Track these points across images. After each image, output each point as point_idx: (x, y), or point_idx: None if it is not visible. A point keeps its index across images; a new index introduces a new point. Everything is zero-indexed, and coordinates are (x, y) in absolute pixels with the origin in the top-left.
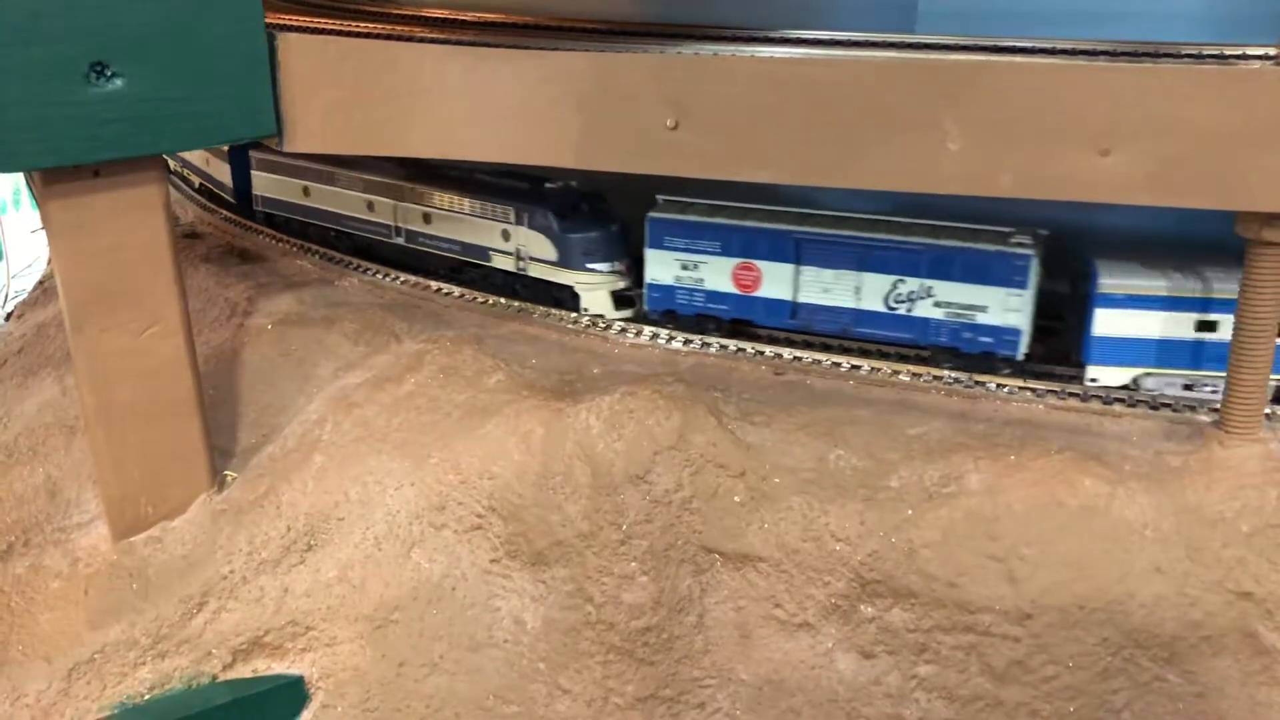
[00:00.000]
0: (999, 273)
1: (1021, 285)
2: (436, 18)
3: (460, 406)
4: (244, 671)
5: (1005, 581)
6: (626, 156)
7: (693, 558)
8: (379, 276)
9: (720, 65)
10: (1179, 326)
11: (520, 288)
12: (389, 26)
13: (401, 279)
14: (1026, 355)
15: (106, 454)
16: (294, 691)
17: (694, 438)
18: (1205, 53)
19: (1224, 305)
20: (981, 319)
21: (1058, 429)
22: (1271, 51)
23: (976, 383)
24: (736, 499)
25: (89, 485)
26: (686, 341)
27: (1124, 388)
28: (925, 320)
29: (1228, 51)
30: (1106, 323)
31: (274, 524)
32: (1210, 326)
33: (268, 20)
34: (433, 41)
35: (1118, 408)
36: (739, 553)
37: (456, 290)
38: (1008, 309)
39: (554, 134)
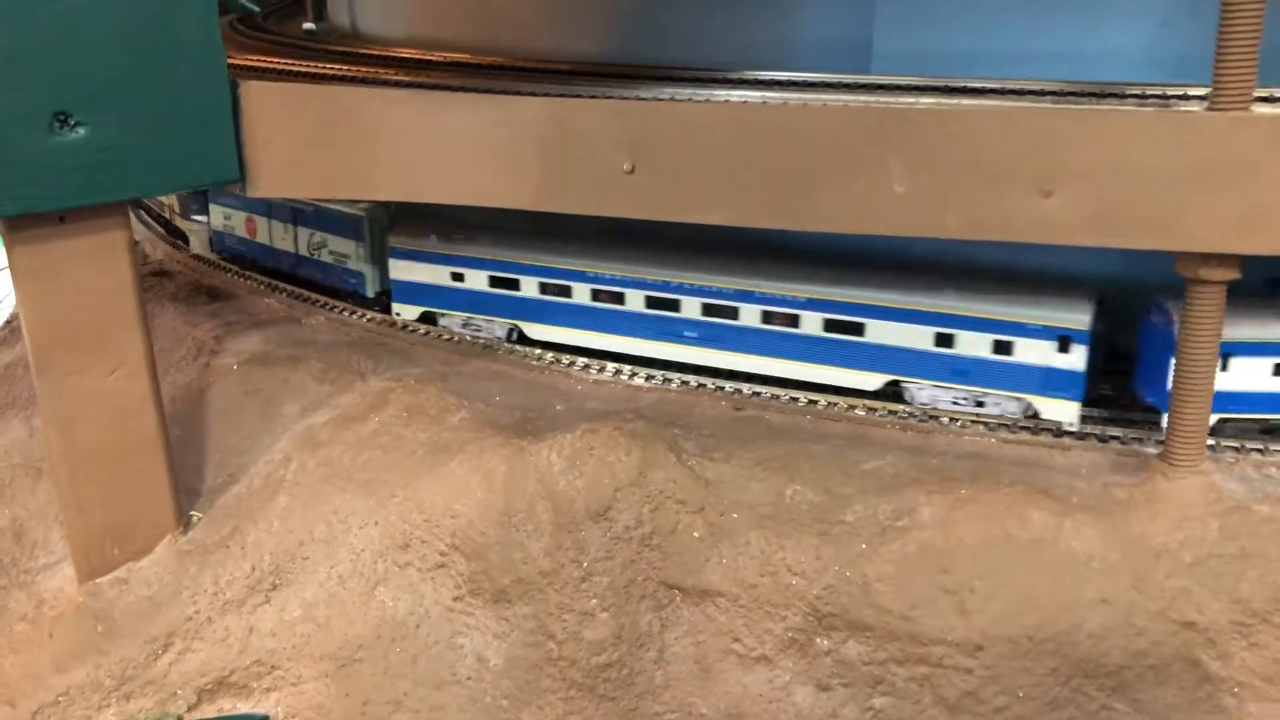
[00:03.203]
0: (348, 229)
1: (360, 238)
2: (403, 58)
3: (424, 445)
4: (209, 711)
5: (957, 613)
6: (585, 199)
7: (653, 593)
8: (345, 314)
9: (675, 110)
10: (441, 275)
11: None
12: (355, 68)
13: (368, 317)
14: (380, 294)
15: (72, 495)
16: None
17: (654, 474)
18: (1149, 93)
19: (467, 262)
20: (349, 264)
21: (1009, 462)
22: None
23: (930, 417)
24: (695, 535)
25: (55, 527)
26: (649, 378)
27: (422, 319)
28: (328, 264)
29: (1170, 92)
30: (396, 270)
31: (239, 564)
32: (460, 278)
33: (233, 61)
34: (395, 84)
35: (1067, 440)
36: (698, 588)
37: (422, 328)
38: (358, 257)
39: (513, 177)
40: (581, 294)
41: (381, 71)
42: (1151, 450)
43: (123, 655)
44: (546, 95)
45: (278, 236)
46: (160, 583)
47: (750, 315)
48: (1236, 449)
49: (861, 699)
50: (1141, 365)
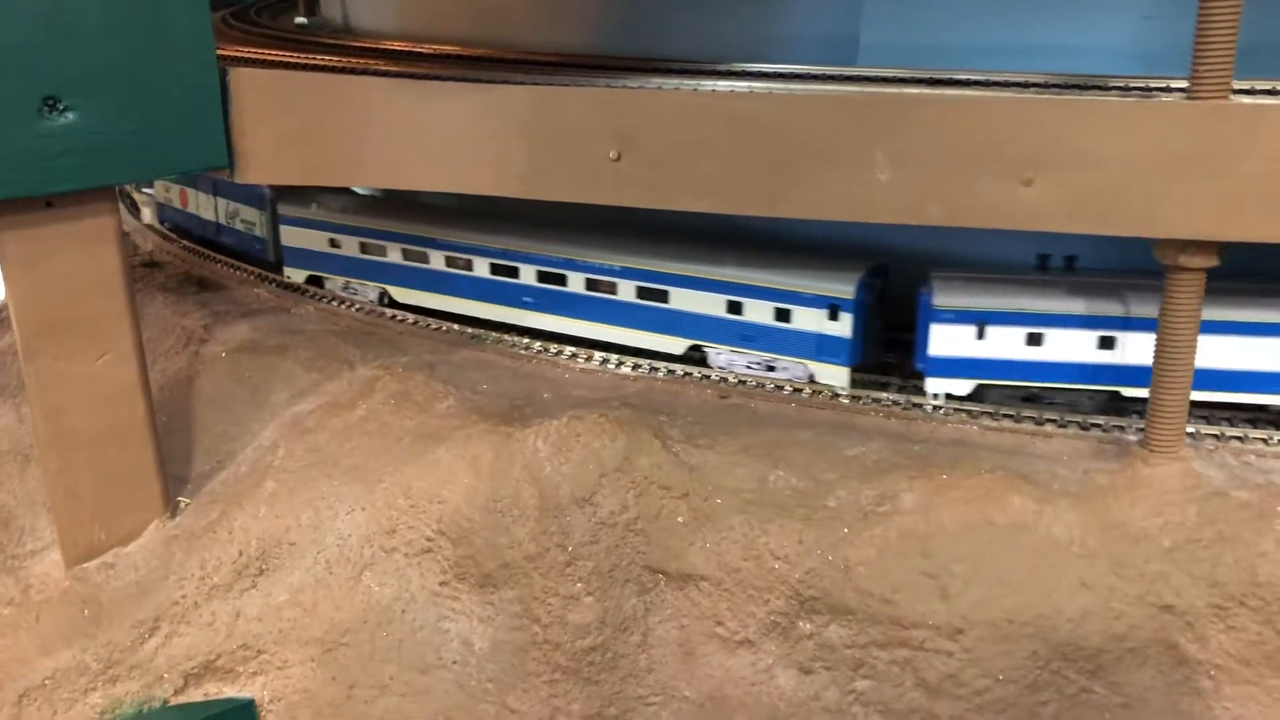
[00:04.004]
0: (255, 199)
1: (263, 208)
2: (393, 50)
3: (411, 432)
4: (195, 695)
5: (938, 597)
6: (571, 187)
7: (637, 578)
8: (334, 304)
9: (661, 99)
10: (322, 242)
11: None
12: (345, 59)
13: (356, 306)
14: (277, 259)
15: (60, 481)
16: (245, 715)
17: (639, 460)
18: (1131, 86)
19: (342, 229)
20: (255, 231)
21: (991, 449)
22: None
23: (914, 405)
24: (680, 520)
25: (43, 513)
26: (635, 366)
27: (310, 281)
28: (240, 231)
29: (1152, 85)
30: (286, 236)
31: (226, 549)
32: (337, 244)
33: (222, 52)
34: (384, 74)
35: (1049, 428)
36: (682, 572)
37: (410, 317)
38: (262, 224)
39: (500, 165)
40: (437, 261)
41: (371, 63)
42: (1132, 437)
43: (109, 639)
44: (534, 84)
45: (203, 206)
46: (147, 567)
47: (577, 282)
48: (1216, 436)
49: (843, 682)
50: (916, 335)
